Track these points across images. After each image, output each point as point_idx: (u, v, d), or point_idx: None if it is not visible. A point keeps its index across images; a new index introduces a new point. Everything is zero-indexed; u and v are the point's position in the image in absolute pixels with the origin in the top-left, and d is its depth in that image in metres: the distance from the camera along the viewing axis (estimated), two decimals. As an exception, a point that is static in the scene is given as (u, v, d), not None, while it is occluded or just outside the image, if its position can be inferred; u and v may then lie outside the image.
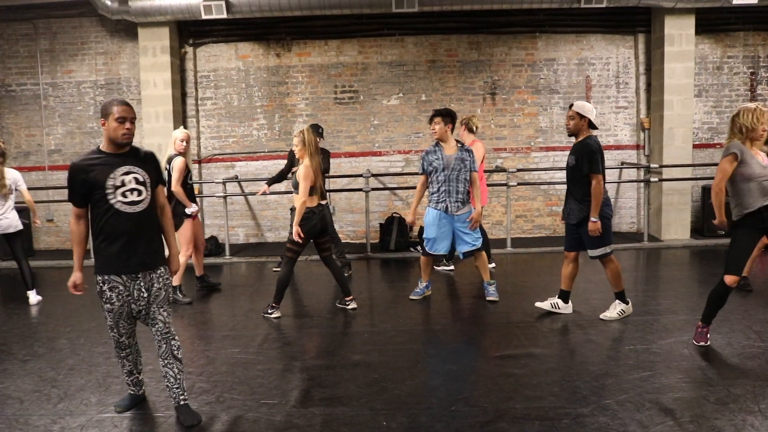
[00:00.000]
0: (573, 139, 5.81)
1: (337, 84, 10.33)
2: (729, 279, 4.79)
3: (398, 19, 9.95)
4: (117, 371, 4.86)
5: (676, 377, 4.44)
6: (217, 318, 6.49)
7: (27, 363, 5.14)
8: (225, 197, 9.64)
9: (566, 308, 6.10)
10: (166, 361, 3.94)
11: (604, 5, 9.00)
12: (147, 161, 3.88)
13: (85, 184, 3.69)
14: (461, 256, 6.71)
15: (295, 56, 10.29)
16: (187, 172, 6.92)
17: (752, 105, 4.80)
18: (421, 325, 5.99)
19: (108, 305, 3.81)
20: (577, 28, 10.22)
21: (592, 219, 5.53)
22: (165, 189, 4.12)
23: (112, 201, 3.67)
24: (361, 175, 9.58)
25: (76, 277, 3.86)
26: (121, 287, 3.76)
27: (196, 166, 10.35)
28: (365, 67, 10.29)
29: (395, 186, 10.22)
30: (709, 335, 5.06)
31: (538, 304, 6.19)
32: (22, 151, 10.57)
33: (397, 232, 9.59)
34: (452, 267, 8.26)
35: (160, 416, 4.06)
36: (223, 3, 8.90)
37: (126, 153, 3.80)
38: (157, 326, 3.89)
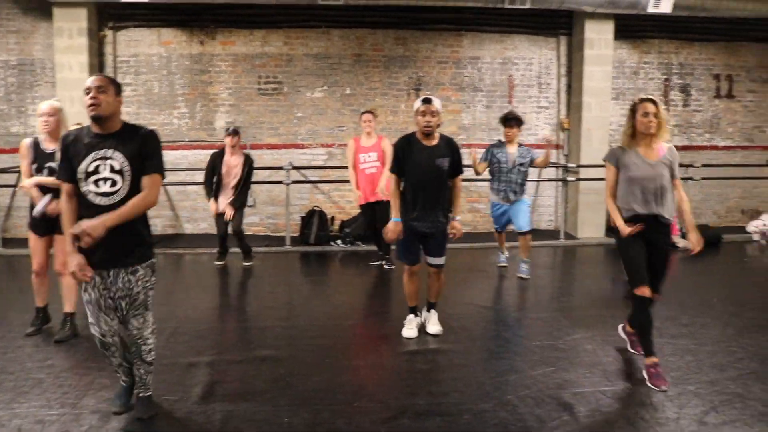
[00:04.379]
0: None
1: (261, 74, 10.18)
2: (638, 291, 4.41)
3: (325, 11, 9.88)
4: (12, 367, 4.68)
5: (577, 372, 4.56)
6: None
7: None
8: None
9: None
10: (134, 361, 3.74)
11: (527, 6, 9.16)
12: (136, 143, 3.42)
13: (69, 159, 3.40)
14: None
15: (219, 44, 10.08)
16: (35, 156, 5.15)
17: (634, 100, 4.53)
18: (335, 320, 5.96)
19: (85, 295, 3.52)
20: (502, 27, 10.39)
21: (458, 218, 5.31)
22: (156, 177, 3.47)
23: (84, 189, 3.37)
24: (282, 168, 9.46)
25: (77, 259, 3.38)
26: (97, 278, 3.45)
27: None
28: (290, 59, 10.18)
29: (317, 179, 10.17)
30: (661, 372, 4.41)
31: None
32: (-73, 132, 10.02)
33: (317, 226, 9.55)
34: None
35: (54, 413, 3.91)
36: (144, -14, 8.66)
37: (114, 133, 3.42)
38: (129, 330, 3.64)
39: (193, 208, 10.28)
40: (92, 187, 3.36)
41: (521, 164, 7.31)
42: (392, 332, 5.50)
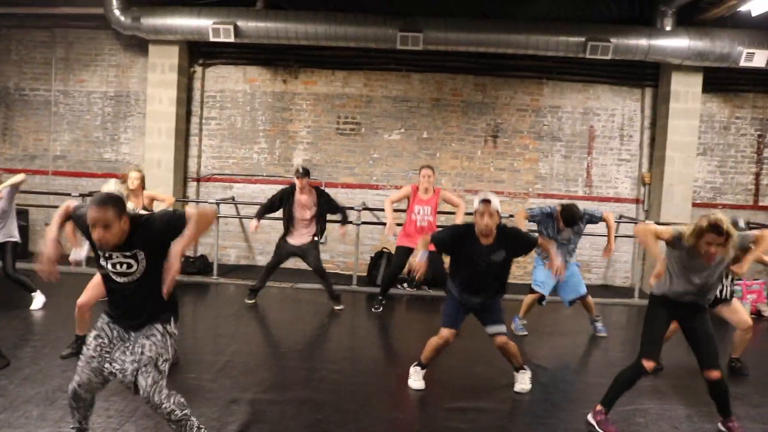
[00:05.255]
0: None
1: (340, 114, 10.39)
2: (645, 362, 4.41)
3: (405, 55, 10.00)
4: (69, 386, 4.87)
5: (622, 447, 4.33)
6: (185, 338, 6.46)
7: (-18, 370, 5.15)
8: (218, 218, 9.72)
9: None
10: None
11: (609, 57, 8.99)
12: (141, 234, 3.45)
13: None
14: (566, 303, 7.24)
15: (301, 84, 10.39)
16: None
17: (707, 221, 4.13)
18: (383, 367, 5.93)
19: (84, 348, 3.60)
20: (585, 77, 10.21)
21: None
22: (189, 211, 3.52)
23: (104, 264, 3.48)
24: (353, 208, 9.55)
25: (50, 251, 3.51)
26: (105, 340, 3.57)
27: (194, 184, 10.49)
28: (369, 100, 10.35)
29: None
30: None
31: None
32: (29, 154, 10.75)
33: (385, 267, 9.55)
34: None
35: (92, 439, 4.03)
36: (232, 27, 9.04)
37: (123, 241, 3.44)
38: (139, 393, 3.51)
39: (267, 241, 10.48)
40: (110, 268, 3.47)
41: (574, 243, 6.97)
42: (438, 385, 5.39)
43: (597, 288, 10.18)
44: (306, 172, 7.79)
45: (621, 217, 10.20)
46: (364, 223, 9.67)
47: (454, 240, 5.05)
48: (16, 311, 7.07)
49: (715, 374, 4.36)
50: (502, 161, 10.27)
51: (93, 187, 10.27)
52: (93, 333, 3.60)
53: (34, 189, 10.57)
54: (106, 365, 3.54)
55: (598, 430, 4.48)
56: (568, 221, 6.71)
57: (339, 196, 10.14)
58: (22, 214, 10.11)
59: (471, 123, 10.34)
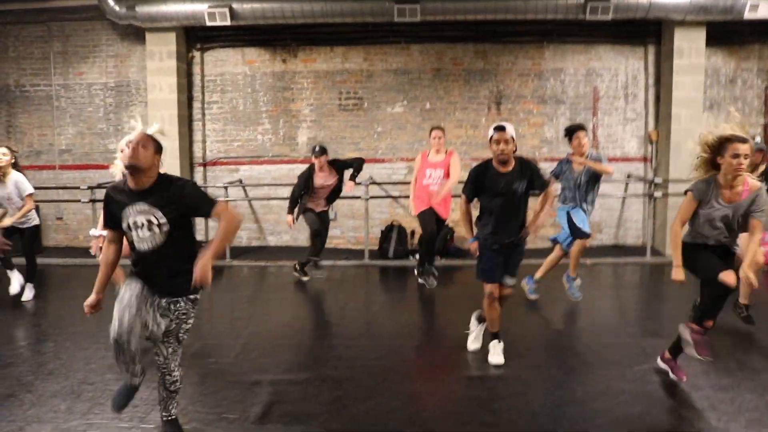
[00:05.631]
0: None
1: (342, 90, 10.35)
2: (721, 276, 4.26)
3: (404, 27, 9.89)
4: (93, 378, 4.95)
5: (640, 407, 4.33)
6: (203, 323, 6.49)
7: (9, 366, 5.22)
8: (227, 202, 9.76)
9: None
10: (160, 387, 3.85)
11: (609, 18, 8.88)
12: (171, 195, 3.51)
13: (111, 213, 3.62)
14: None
15: (301, 62, 10.34)
16: None
17: (717, 133, 4.22)
18: (399, 340, 5.94)
19: (126, 292, 3.60)
20: (586, 38, 10.09)
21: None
22: (219, 208, 3.56)
23: (131, 237, 3.58)
24: (360, 183, 9.54)
25: (92, 298, 3.71)
26: (137, 291, 3.57)
27: (201, 169, 10.52)
28: (370, 75, 10.29)
29: (398, 194, 10.21)
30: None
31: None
32: (34, 150, 10.78)
33: (396, 241, 9.59)
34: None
35: (124, 426, 4.10)
36: (227, 10, 8.98)
37: (148, 188, 3.52)
38: (157, 357, 3.77)
39: (277, 221, 10.55)
40: (134, 236, 3.55)
41: (588, 179, 6.78)
42: (455, 355, 5.44)
43: (609, 248, 10.20)
44: (323, 150, 7.89)
45: (629, 176, 10.18)
46: (372, 197, 9.69)
47: (477, 180, 5.10)
48: (34, 307, 7.16)
49: (709, 323, 4.50)
50: (507, 128, 10.20)
51: (100, 179, 10.28)
52: (123, 287, 3.59)
53: (43, 184, 10.64)
54: (142, 313, 3.54)
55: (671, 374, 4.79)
56: (574, 127, 6.88)
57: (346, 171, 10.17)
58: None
59: (473, 91, 10.27)
